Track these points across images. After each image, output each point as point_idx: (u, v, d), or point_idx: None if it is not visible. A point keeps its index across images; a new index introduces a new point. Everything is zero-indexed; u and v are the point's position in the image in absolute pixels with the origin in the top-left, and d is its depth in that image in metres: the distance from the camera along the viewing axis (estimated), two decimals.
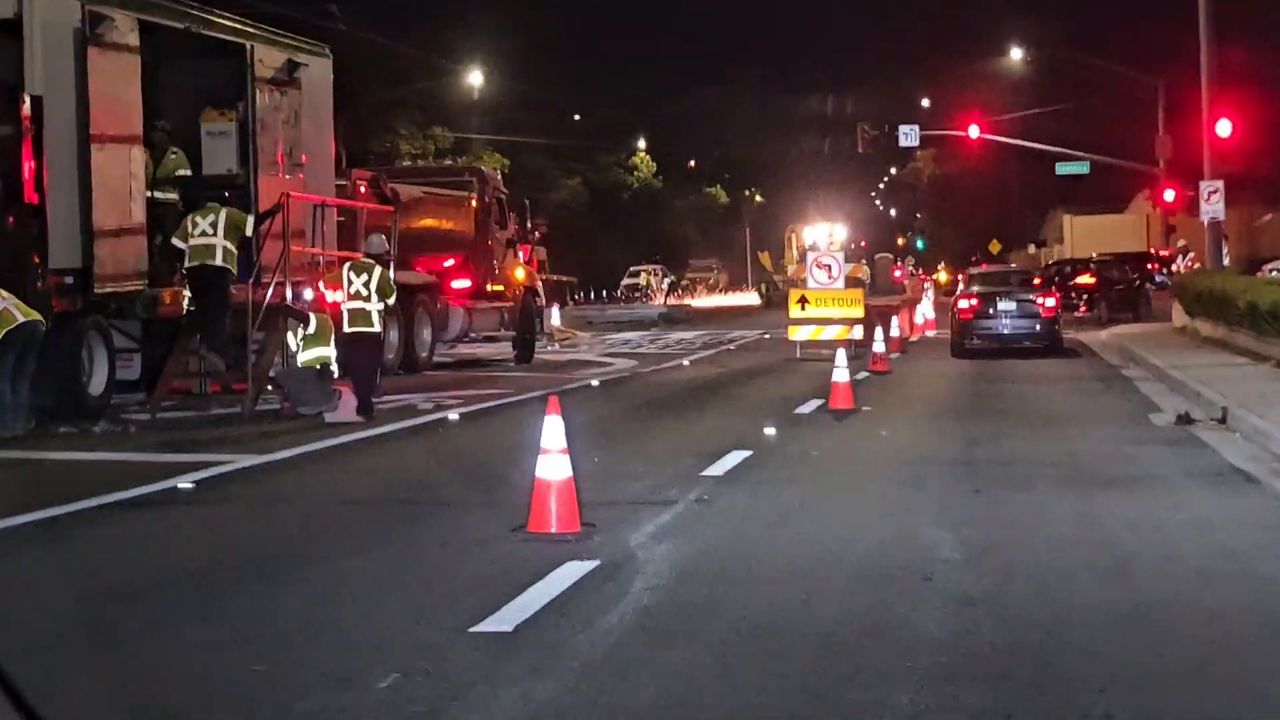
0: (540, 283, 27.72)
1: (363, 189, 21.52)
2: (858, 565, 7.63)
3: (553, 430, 8.40)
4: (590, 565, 7.44)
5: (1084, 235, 63.43)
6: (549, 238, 74.15)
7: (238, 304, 15.59)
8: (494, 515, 8.95)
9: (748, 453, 12.05)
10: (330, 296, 16.73)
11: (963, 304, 26.46)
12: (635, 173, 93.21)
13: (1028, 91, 65.39)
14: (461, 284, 24.70)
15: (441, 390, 18.98)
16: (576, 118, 77.86)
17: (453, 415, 15.79)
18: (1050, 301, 26.41)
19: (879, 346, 22.37)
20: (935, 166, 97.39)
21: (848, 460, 12.18)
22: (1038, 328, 25.78)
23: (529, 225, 27.48)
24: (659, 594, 6.92)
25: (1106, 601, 6.69)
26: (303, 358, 15.47)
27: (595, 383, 20.74)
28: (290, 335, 15.80)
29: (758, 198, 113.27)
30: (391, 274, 15.88)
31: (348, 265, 15.48)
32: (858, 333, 25.19)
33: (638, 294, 68.43)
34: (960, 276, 32.00)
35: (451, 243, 24.64)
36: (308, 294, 16.86)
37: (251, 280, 15.73)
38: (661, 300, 61.08)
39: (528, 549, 7.93)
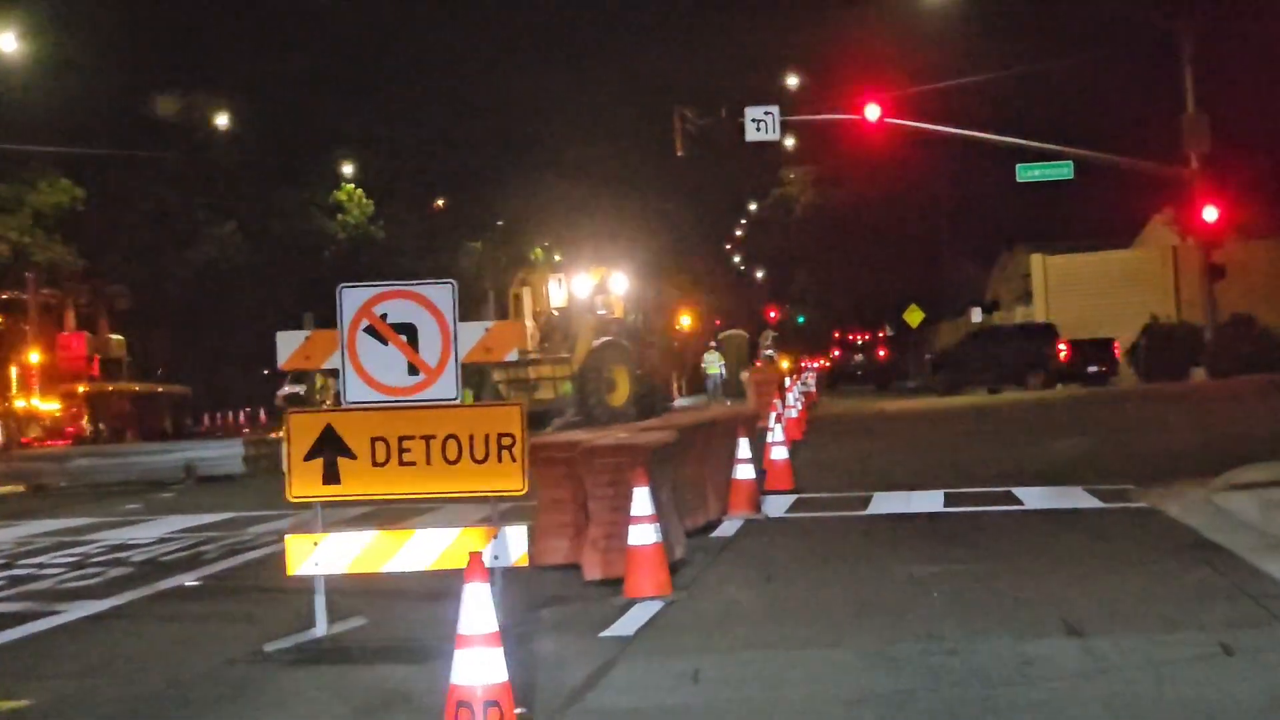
0: None
1: None
2: None
3: None
4: None
5: (1065, 285, 51.41)
6: (144, 315, 59.14)
7: None
8: None
9: None
10: None
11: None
12: (341, 215, 78.87)
13: (961, 54, 54.90)
14: None
15: None
16: (221, 123, 62.92)
17: None
18: None
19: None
20: (814, 192, 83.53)
21: None
22: None
23: None
24: None
25: None
26: None
27: None
28: None
29: (556, 256, 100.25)
30: None
31: None
32: (515, 546, 11.56)
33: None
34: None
35: None
36: None
37: None
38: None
39: None
